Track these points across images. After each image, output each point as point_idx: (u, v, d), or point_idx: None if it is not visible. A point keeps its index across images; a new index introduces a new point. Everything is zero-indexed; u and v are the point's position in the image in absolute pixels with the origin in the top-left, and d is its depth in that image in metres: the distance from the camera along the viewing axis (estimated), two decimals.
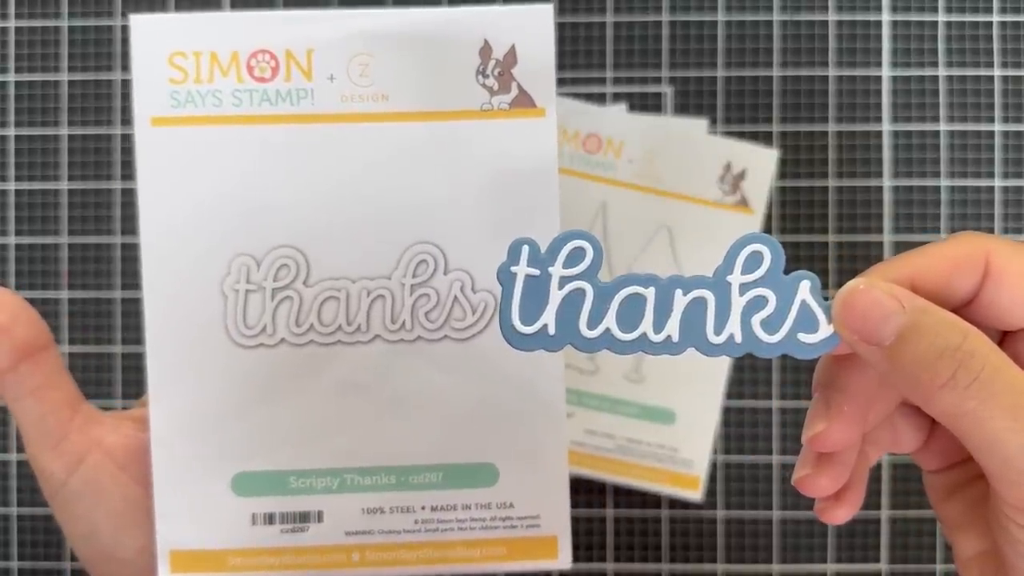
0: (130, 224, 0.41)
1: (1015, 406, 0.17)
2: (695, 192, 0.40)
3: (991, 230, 0.41)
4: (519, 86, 0.23)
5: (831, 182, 0.41)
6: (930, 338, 0.17)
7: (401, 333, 0.23)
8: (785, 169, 0.41)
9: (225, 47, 0.23)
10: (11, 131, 0.41)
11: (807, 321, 0.18)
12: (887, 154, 0.41)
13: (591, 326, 0.18)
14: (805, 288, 0.18)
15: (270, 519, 0.24)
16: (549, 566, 0.24)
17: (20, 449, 0.41)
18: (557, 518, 0.24)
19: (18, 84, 0.41)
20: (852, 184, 0.41)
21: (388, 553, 0.24)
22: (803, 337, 0.18)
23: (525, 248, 0.18)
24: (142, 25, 0.23)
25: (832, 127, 0.41)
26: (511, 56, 0.23)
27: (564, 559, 0.24)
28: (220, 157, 0.23)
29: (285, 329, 0.23)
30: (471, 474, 0.24)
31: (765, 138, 0.41)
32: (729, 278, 0.18)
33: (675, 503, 0.40)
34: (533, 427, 0.24)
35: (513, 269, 0.18)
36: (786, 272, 0.18)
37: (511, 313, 0.18)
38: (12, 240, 0.41)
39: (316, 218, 0.23)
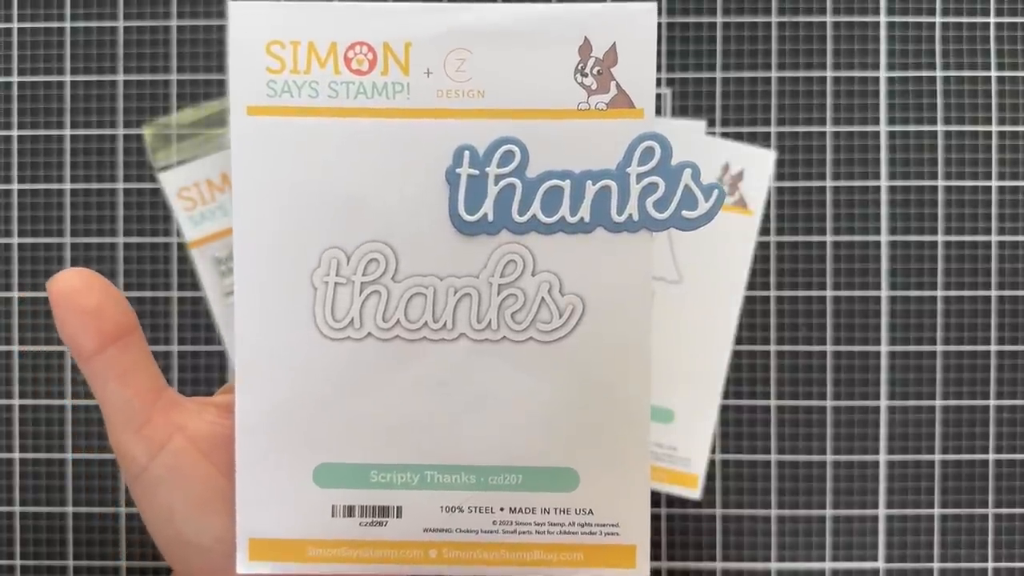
0: (132, 225, 0.41)
1: None
2: None
3: (988, 230, 0.41)
4: (618, 86, 0.22)
5: (829, 183, 0.41)
6: None
7: (487, 333, 0.23)
8: (783, 170, 0.41)
9: (324, 37, 0.22)
10: (14, 132, 0.41)
11: (689, 201, 0.22)
12: (884, 155, 0.41)
13: (521, 213, 0.22)
14: (688, 175, 0.22)
15: (350, 511, 0.24)
16: (627, 575, 0.24)
17: (23, 448, 0.41)
18: (637, 527, 0.24)
19: (21, 85, 0.41)
20: (850, 185, 0.41)
21: (465, 552, 0.24)
22: (686, 213, 0.22)
23: (466, 153, 0.22)
24: (240, 12, 0.22)
25: (830, 128, 0.41)
26: (611, 55, 0.22)
27: (643, 569, 0.24)
28: (314, 149, 0.23)
29: (372, 323, 0.23)
30: (551, 478, 0.24)
31: (763, 139, 0.41)
32: (628, 169, 0.22)
33: (673, 501, 0.41)
34: (616, 434, 0.23)
35: (458, 171, 0.22)
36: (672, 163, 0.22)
37: (459, 205, 0.22)
38: (15, 240, 0.41)
39: (407, 214, 0.23)
